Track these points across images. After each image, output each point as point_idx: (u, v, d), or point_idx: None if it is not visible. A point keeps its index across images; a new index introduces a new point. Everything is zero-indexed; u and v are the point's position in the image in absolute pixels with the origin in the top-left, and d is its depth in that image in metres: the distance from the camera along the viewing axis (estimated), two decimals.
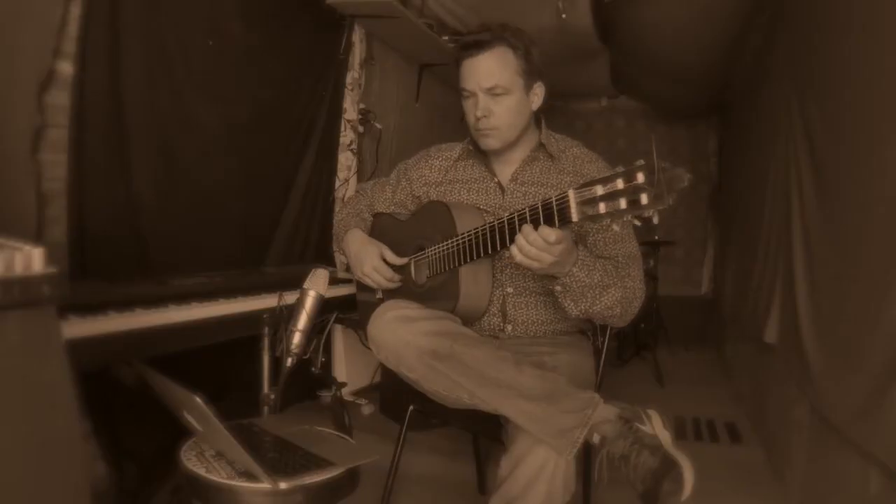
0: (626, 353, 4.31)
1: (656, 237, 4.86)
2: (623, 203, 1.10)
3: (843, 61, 1.86)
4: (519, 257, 1.29)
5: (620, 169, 1.12)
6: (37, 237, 1.70)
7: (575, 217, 1.18)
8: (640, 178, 1.08)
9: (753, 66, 3.45)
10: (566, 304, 1.44)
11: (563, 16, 3.09)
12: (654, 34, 3.42)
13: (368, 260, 1.68)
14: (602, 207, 1.13)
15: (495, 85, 1.51)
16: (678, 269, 5.71)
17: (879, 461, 1.42)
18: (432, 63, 3.93)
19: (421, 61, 3.93)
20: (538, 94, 1.59)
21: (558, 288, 1.41)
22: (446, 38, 3.57)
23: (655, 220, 1.11)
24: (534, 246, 1.26)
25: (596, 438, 1.30)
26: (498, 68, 1.51)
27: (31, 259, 0.85)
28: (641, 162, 1.09)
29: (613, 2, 3.10)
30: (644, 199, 1.08)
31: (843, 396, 1.63)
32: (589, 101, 5.73)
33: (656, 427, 1.30)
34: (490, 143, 1.57)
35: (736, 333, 3.71)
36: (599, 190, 1.13)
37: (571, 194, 1.18)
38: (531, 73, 1.55)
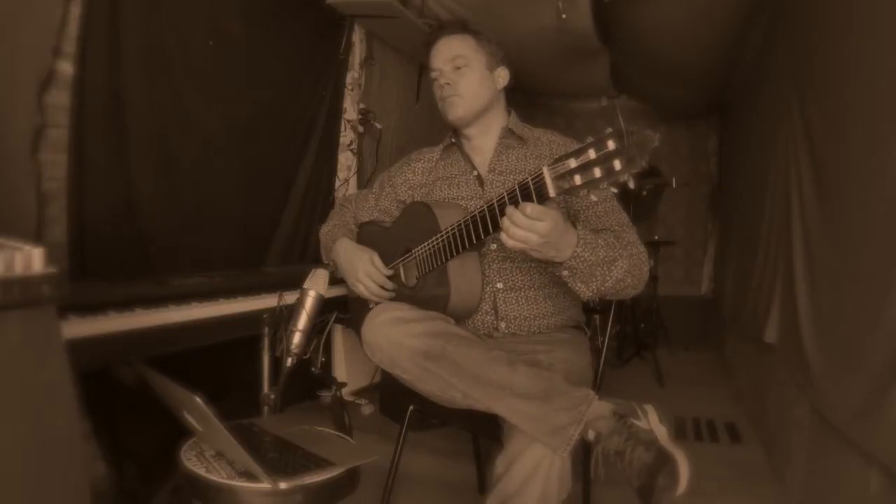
0: (626, 353, 4.31)
1: (656, 237, 4.86)
2: (598, 172, 1.12)
3: (843, 61, 1.86)
4: (509, 242, 1.29)
5: (590, 139, 1.14)
6: (37, 237, 1.71)
7: (552, 192, 1.20)
8: (611, 145, 1.11)
9: (753, 66, 3.45)
10: (577, 287, 1.41)
11: (563, 16, 3.09)
12: (654, 34, 3.42)
13: (361, 266, 1.68)
14: (577, 179, 1.15)
15: (456, 55, 1.63)
16: (678, 269, 5.71)
17: (879, 461, 1.42)
18: None
19: (421, 61, 3.93)
20: (502, 76, 1.68)
21: (565, 272, 1.38)
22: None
23: (632, 185, 1.12)
24: (518, 225, 1.26)
25: (591, 435, 1.30)
26: (459, 44, 1.65)
27: (31, 259, 0.85)
28: (610, 130, 1.11)
29: (613, 2, 3.10)
30: (617, 164, 1.10)
31: (843, 396, 1.63)
32: (589, 101, 5.73)
33: (652, 422, 1.30)
34: (454, 109, 1.64)
35: (736, 333, 3.71)
36: (573, 163, 1.15)
37: (546, 171, 1.20)
38: (492, 56, 1.66)
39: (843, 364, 1.68)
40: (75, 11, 1.82)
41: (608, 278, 1.39)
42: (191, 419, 1.26)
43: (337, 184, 3.26)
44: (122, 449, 1.93)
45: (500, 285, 1.60)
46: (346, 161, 3.30)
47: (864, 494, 1.52)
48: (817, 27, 2.15)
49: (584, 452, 1.42)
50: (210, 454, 1.27)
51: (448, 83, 1.64)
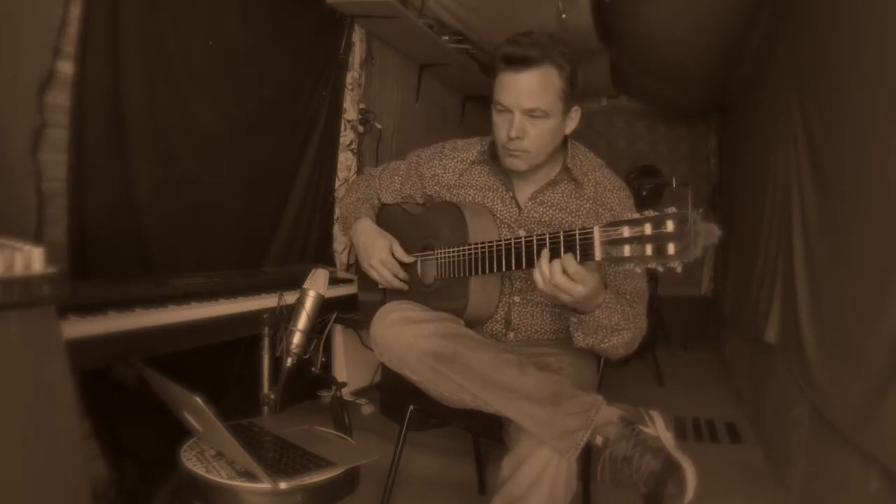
0: None
1: None
2: (649, 250, 1.08)
3: (843, 61, 1.86)
4: (540, 285, 1.27)
5: (650, 213, 1.09)
6: (37, 237, 1.70)
7: (598, 255, 1.16)
8: (670, 226, 1.06)
9: (753, 66, 3.44)
10: (575, 335, 1.43)
11: (563, 16, 3.09)
12: (655, 34, 3.42)
13: (377, 253, 1.64)
14: (627, 251, 1.11)
15: (536, 108, 1.42)
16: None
17: (879, 461, 1.42)
18: (432, 63, 3.93)
19: (421, 61, 3.93)
20: (574, 118, 1.52)
21: (574, 319, 1.41)
22: (446, 38, 3.57)
23: (679, 270, 1.07)
24: (555, 282, 1.24)
25: (598, 440, 1.30)
26: (541, 90, 1.41)
27: (31, 259, 0.85)
28: (673, 209, 1.07)
29: (613, 2, 3.10)
30: (671, 249, 1.05)
31: (843, 396, 1.63)
32: (589, 101, 5.72)
33: (659, 429, 1.30)
34: (517, 164, 1.50)
35: (736, 333, 3.71)
36: (626, 232, 1.11)
37: (597, 232, 1.16)
38: (572, 97, 1.47)
39: (843, 364, 1.68)
40: (75, 11, 1.82)
41: (606, 342, 1.42)
42: (191, 419, 1.26)
43: (337, 184, 3.26)
44: (122, 449, 1.93)
45: (517, 299, 1.58)
46: (346, 161, 3.30)
47: (864, 495, 1.52)
48: (817, 27, 2.15)
49: (585, 454, 1.42)
50: (210, 454, 1.27)
51: (518, 136, 1.44)
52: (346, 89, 3.25)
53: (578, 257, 1.20)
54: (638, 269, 1.17)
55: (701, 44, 3.45)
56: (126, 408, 1.88)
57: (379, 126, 3.47)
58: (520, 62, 1.40)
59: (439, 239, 1.58)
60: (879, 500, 1.46)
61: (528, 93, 1.41)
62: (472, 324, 1.53)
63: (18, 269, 0.84)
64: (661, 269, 1.09)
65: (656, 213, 1.08)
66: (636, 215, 1.11)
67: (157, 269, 2.15)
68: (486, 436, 1.72)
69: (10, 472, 0.83)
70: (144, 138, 2.13)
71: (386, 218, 1.78)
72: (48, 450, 0.88)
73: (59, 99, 1.81)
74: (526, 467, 1.29)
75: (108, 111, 2.00)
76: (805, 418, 2.04)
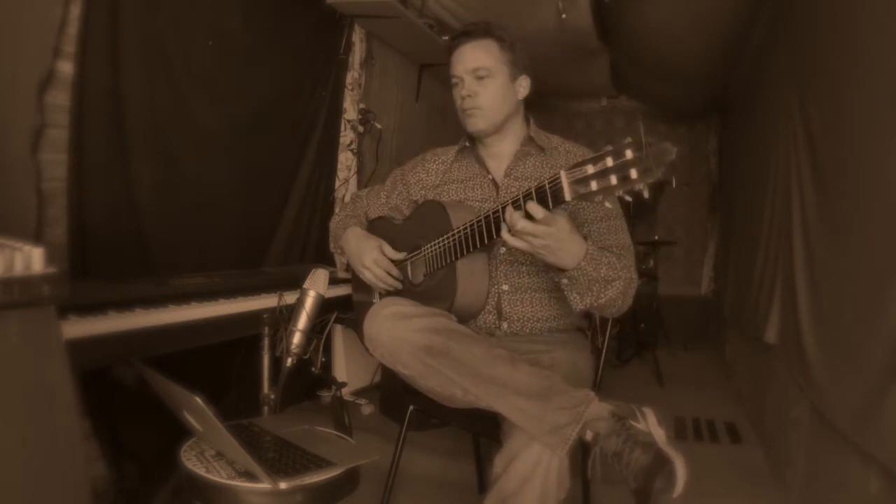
0: (626, 353, 4.31)
1: (656, 237, 4.86)
2: (614, 179, 1.13)
3: (844, 61, 1.86)
4: (511, 241, 1.31)
5: (609, 147, 1.15)
6: (36, 237, 1.71)
7: (568, 196, 1.21)
8: (629, 154, 1.12)
9: (753, 66, 3.45)
10: (572, 298, 1.44)
11: (563, 16, 3.09)
12: (655, 34, 3.42)
13: (368, 253, 1.69)
14: (594, 185, 1.16)
15: (479, 66, 1.59)
16: (678, 269, 5.71)
17: (879, 462, 1.42)
18: (432, 63, 3.93)
19: (421, 61, 3.93)
20: (524, 85, 1.65)
21: (565, 281, 1.42)
22: (446, 38, 3.57)
23: (646, 195, 1.13)
24: (520, 225, 1.28)
25: (589, 435, 1.30)
26: (482, 54, 1.60)
27: (31, 259, 0.85)
28: (629, 139, 1.13)
29: (613, 2, 3.10)
30: (633, 173, 1.11)
31: (843, 396, 1.63)
32: (589, 101, 5.73)
33: (650, 424, 1.30)
34: (475, 122, 1.62)
35: (736, 333, 3.71)
36: (590, 168, 1.16)
37: (563, 174, 1.21)
38: (515, 64, 1.62)
39: (843, 364, 1.68)
40: (75, 11, 1.82)
41: (602, 296, 1.43)
42: (191, 419, 1.26)
43: (337, 184, 3.26)
44: (122, 449, 1.93)
45: (505, 287, 1.60)
46: (346, 161, 3.30)
47: (864, 495, 1.52)
48: (817, 27, 2.15)
49: (582, 452, 1.42)
50: (210, 454, 1.27)
51: (469, 95, 1.61)
52: (346, 89, 3.25)
53: (551, 205, 1.25)
54: (608, 204, 1.26)
55: (701, 44, 3.45)
56: (126, 408, 1.88)
57: (379, 126, 3.48)
58: (461, 36, 1.63)
59: (425, 237, 1.61)
60: (879, 500, 1.46)
61: (470, 56, 1.61)
62: (463, 317, 1.54)
63: (18, 269, 0.84)
64: (628, 197, 1.16)
65: (614, 147, 1.14)
66: (597, 153, 1.17)
67: (157, 269, 2.15)
68: (485, 436, 1.72)
69: (10, 472, 0.83)
70: (144, 138, 2.13)
71: (374, 232, 1.82)
72: (48, 450, 0.88)
73: (59, 99, 1.81)
74: (518, 463, 1.29)
75: (108, 111, 2.00)
76: (805, 418, 2.04)
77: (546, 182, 1.25)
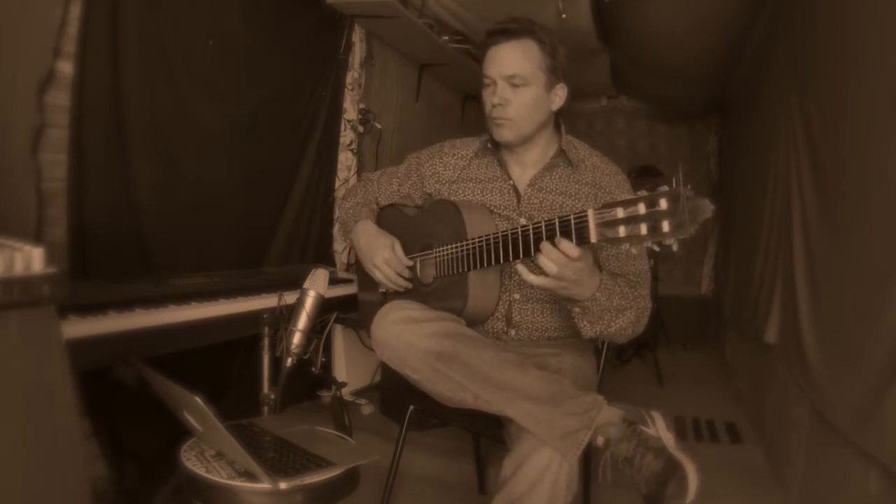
0: (626, 353, 4.31)
1: None
2: (643, 229, 1.09)
3: (844, 61, 1.86)
4: (535, 281, 1.28)
5: (643, 193, 1.10)
6: (36, 237, 1.71)
7: (593, 238, 1.17)
8: (663, 204, 1.07)
9: (753, 67, 3.44)
10: (582, 326, 1.44)
11: (563, 16, 3.09)
12: (655, 34, 3.42)
13: (380, 252, 1.65)
14: (622, 231, 1.11)
15: (515, 74, 1.49)
16: (678, 269, 5.71)
17: (879, 461, 1.42)
18: (432, 63, 3.93)
19: (421, 61, 3.93)
20: (560, 95, 1.56)
21: (577, 310, 1.41)
22: (446, 38, 3.57)
23: (675, 248, 1.08)
24: (556, 263, 1.24)
25: (600, 440, 1.30)
26: (521, 58, 1.49)
27: (31, 259, 0.85)
28: (666, 188, 1.08)
29: (613, 2, 3.10)
30: (665, 226, 1.07)
31: (843, 396, 1.63)
32: (589, 101, 5.72)
33: (660, 429, 1.30)
34: (503, 133, 1.55)
35: (736, 333, 3.71)
36: (620, 212, 1.11)
37: (591, 214, 1.17)
38: (554, 72, 1.53)
39: (843, 364, 1.68)
40: (75, 11, 1.82)
41: (613, 325, 1.42)
42: (191, 419, 1.26)
43: (337, 184, 3.26)
44: (122, 449, 1.93)
45: (517, 296, 1.58)
46: (346, 161, 3.30)
47: (863, 495, 1.52)
48: (817, 27, 2.15)
49: (585, 455, 1.42)
50: (210, 454, 1.27)
51: (500, 104, 1.51)
52: (346, 89, 3.25)
53: (574, 241, 1.21)
54: (634, 250, 1.18)
55: (701, 44, 3.45)
56: (126, 408, 1.88)
57: (379, 126, 3.47)
58: (500, 34, 1.51)
59: (438, 238, 1.58)
60: (879, 500, 1.46)
61: (507, 61, 1.50)
62: (472, 322, 1.53)
63: (18, 269, 0.84)
64: (657, 248, 1.10)
65: (649, 193, 1.09)
66: (629, 196, 1.13)
67: (157, 269, 2.15)
68: (486, 436, 1.72)
69: (10, 472, 0.83)
70: (144, 138, 2.13)
71: (385, 220, 1.78)
72: (48, 450, 0.88)
73: (59, 99, 1.81)
74: (527, 467, 1.28)
75: (108, 111, 2.00)
76: (805, 418, 2.04)
77: (571, 217, 1.20)
